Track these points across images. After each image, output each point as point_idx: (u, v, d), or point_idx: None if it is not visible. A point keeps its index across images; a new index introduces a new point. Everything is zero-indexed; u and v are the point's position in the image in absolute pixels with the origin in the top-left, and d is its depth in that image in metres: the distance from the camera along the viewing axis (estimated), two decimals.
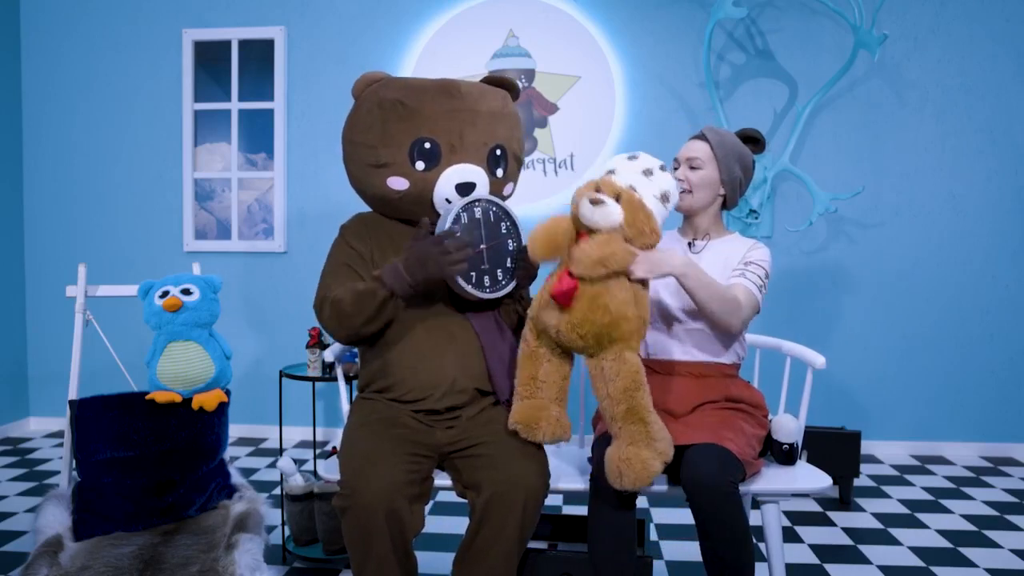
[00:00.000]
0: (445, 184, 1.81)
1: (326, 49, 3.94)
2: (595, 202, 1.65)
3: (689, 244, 2.06)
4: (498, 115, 1.89)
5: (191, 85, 3.98)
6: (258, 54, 3.97)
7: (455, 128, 1.82)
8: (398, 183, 1.84)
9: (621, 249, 1.65)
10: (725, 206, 2.08)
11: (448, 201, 1.82)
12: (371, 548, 1.64)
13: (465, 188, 1.82)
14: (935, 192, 3.78)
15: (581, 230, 1.70)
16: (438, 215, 1.85)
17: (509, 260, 1.85)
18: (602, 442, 1.80)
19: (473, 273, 1.78)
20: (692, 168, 2.01)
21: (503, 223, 1.84)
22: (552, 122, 3.88)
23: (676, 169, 2.05)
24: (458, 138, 1.82)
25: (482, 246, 1.79)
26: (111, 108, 4.05)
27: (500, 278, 1.84)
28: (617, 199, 1.68)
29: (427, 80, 1.87)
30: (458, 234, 1.73)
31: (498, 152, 1.89)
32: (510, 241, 1.84)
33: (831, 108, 3.77)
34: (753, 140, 2.10)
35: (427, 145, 1.81)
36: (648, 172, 1.74)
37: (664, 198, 1.74)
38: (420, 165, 1.82)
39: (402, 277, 1.71)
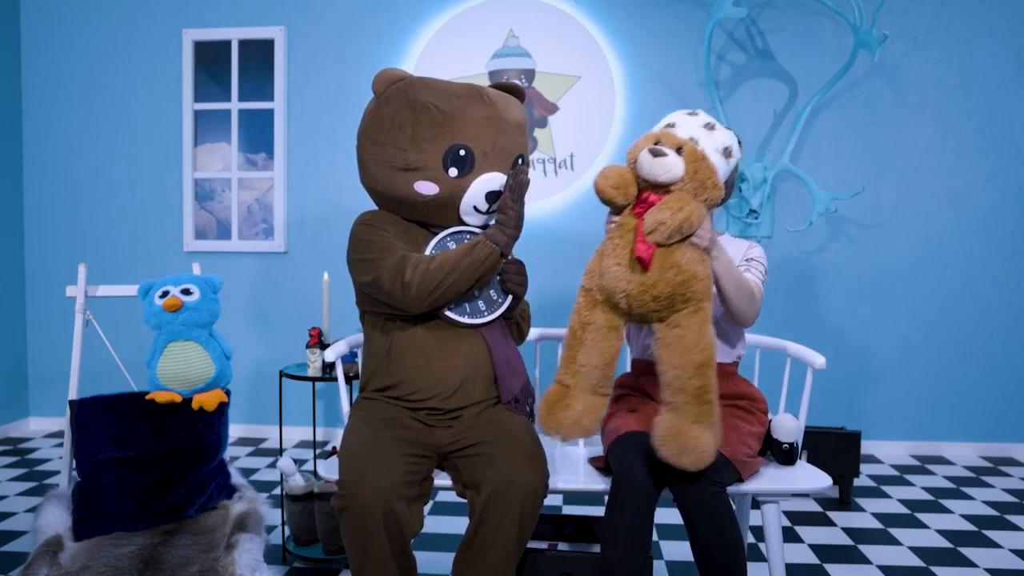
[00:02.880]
0: (477, 191, 1.82)
1: (326, 49, 3.94)
2: (655, 153, 1.59)
3: None
4: (521, 125, 1.91)
5: (191, 85, 3.98)
6: (258, 54, 3.97)
7: (488, 136, 1.82)
8: (427, 187, 1.82)
9: (695, 212, 1.59)
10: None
11: (476, 208, 1.84)
12: (370, 549, 1.64)
13: (494, 196, 1.83)
14: (935, 192, 3.78)
15: (642, 186, 1.65)
16: (462, 222, 1.88)
17: (498, 278, 1.87)
18: (620, 442, 1.79)
19: (466, 304, 1.83)
20: None
21: None
22: (552, 122, 3.87)
23: None
24: (490, 146, 1.82)
25: None
26: (111, 108, 4.05)
27: (495, 298, 1.87)
28: (678, 151, 1.62)
29: (453, 84, 1.86)
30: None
31: (520, 161, 1.90)
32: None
33: (831, 108, 3.77)
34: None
35: (462, 152, 1.80)
36: (710, 126, 1.68)
37: (727, 152, 1.67)
38: (453, 172, 1.81)
39: (504, 233, 1.76)
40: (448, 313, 1.81)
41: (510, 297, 1.88)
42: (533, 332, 2.23)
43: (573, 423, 1.70)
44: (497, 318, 1.88)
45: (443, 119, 1.79)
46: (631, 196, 1.65)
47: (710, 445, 1.59)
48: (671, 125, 1.69)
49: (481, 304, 1.85)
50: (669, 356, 1.62)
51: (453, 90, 1.83)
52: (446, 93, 1.82)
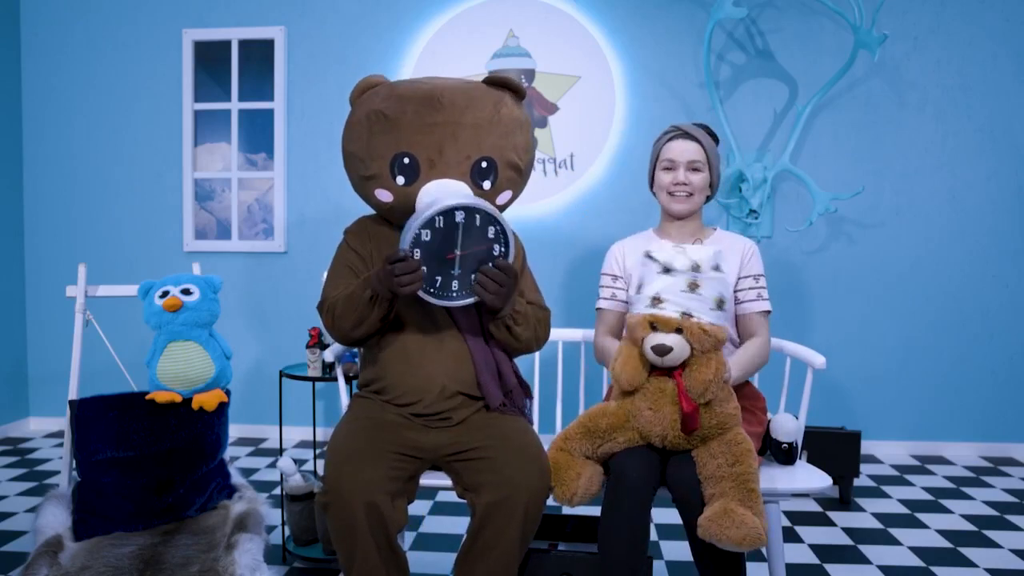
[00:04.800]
0: (424, 199, 1.77)
1: (326, 49, 3.94)
2: (661, 352, 1.65)
3: None
4: (484, 126, 1.80)
5: (191, 85, 3.98)
6: (258, 54, 3.97)
7: (434, 143, 1.77)
8: (384, 195, 1.83)
9: (721, 364, 1.69)
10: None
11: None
12: (355, 542, 1.64)
13: None
14: (935, 192, 3.78)
15: (658, 367, 1.71)
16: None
17: (490, 267, 1.74)
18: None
19: (439, 277, 1.70)
20: (694, 171, 2.02)
21: (490, 227, 1.73)
22: (552, 122, 3.87)
23: (668, 171, 2.05)
24: (437, 153, 1.77)
25: (456, 252, 1.70)
26: (111, 108, 4.05)
27: (471, 287, 1.74)
28: (678, 331, 1.67)
29: (416, 88, 1.81)
30: (413, 254, 1.66)
31: (484, 164, 1.81)
32: (496, 246, 1.74)
33: (831, 108, 3.77)
34: (712, 135, 2.12)
35: (406, 160, 1.78)
36: (694, 286, 1.70)
37: (719, 304, 1.71)
38: (400, 180, 1.80)
39: (378, 284, 1.72)
40: (421, 296, 1.71)
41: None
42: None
43: (585, 491, 1.75)
44: (463, 307, 1.79)
45: (389, 126, 1.78)
46: (647, 375, 1.73)
47: (759, 526, 1.59)
48: (658, 300, 1.70)
49: (455, 284, 1.73)
50: (706, 450, 1.71)
51: (408, 95, 1.79)
52: (398, 98, 1.79)
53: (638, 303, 1.75)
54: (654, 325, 1.69)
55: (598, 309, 2.15)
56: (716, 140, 2.12)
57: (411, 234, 1.66)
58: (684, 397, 1.67)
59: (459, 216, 1.68)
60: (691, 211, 2.05)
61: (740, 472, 1.66)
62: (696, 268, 1.70)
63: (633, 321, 1.73)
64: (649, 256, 1.76)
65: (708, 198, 2.10)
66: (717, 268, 1.73)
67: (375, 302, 1.74)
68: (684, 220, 2.08)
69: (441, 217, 1.67)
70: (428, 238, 1.66)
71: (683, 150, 2.02)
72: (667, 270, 1.72)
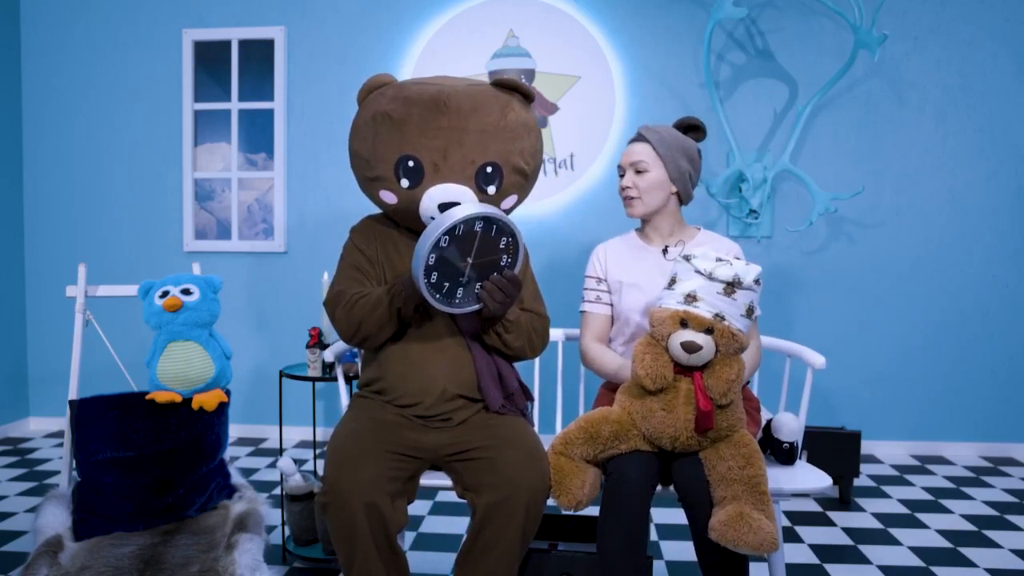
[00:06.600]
0: (428, 203, 1.77)
1: (326, 49, 3.94)
2: (690, 350, 1.65)
3: (663, 251, 2.07)
4: (490, 131, 1.80)
5: (191, 85, 3.98)
6: (258, 54, 3.97)
7: (439, 146, 1.76)
8: (388, 197, 1.83)
9: (741, 371, 1.70)
10: (681, 203, 2.09)
11: (433, 220, 1.73)
12: (354, 542, 1.64)
13: (448, 208, 1.76)
14: (935, 192, 3.78)
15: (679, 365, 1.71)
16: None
17: (497, 276, 1.74)
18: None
19: (447, 283, 1.69)
20: (638, 172, 2.02)
21: (504, 238, 1.71)
22: (552, 122, 3.88)
23: (622, 176, 2.07)
24: (441, 157, 1.77)
25: (470, 260, 1.69)
26: (111, 108, 4.05)
27: (473, 295, 1.75)
28: (708, 331, 1.67)
29: (422, 90, 1.80)
30: (429, 259, 1.64)
31: (489, 170, 1.81)
32: (505, 257, 1.74)
33: (831, 108, 3.77)
34: (694, 128, 2.09)
35: (410, 163, 1.78)
36: (731, 291, 1.71)
37: (750, 311, 1.73)
38: (405, 182, 1.79)
39: (408, 299, 1.74)
40: (423, 290, 1.68)
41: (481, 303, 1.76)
42: None
43: (588, 497, 1.74)
44: (465, 314, 1.79)
45: (394, 129, 1.77)
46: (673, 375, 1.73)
47: (773, 530, 1.60)
48: (693, 298, 1.70)
49: (460, 292, 1.72)
50: (715, 451, 1.71)
51: (414, 98, 1.78)
52: (404, 100, 1.78)
53: (669, 298, 1.74)
54: (684, 322, 1.69)
55: (583, 312, 2.15)
56: (701, 134, 2.08)
57: (432, 240, 1.63)
58: (702, 395, 1.67)
59: (479, 225, 1.67)
60: (646, 213, 2.05)
61: (752, 475, 1.66)
62: (737, 282, 1.71)
63: (662, 315, 1.72)
64: (688, 260, 1.76)
65: (679, 196, 2.06)
66: (757, 282, 1.73)
67: (398, 312, 1.76)
68: (654, 220, 2.08)
69: (461, 225, 1.65)
70: (445, 244, 1.65)
71: (629, 152, 2.04)
72: (707, 276, 1.73)
